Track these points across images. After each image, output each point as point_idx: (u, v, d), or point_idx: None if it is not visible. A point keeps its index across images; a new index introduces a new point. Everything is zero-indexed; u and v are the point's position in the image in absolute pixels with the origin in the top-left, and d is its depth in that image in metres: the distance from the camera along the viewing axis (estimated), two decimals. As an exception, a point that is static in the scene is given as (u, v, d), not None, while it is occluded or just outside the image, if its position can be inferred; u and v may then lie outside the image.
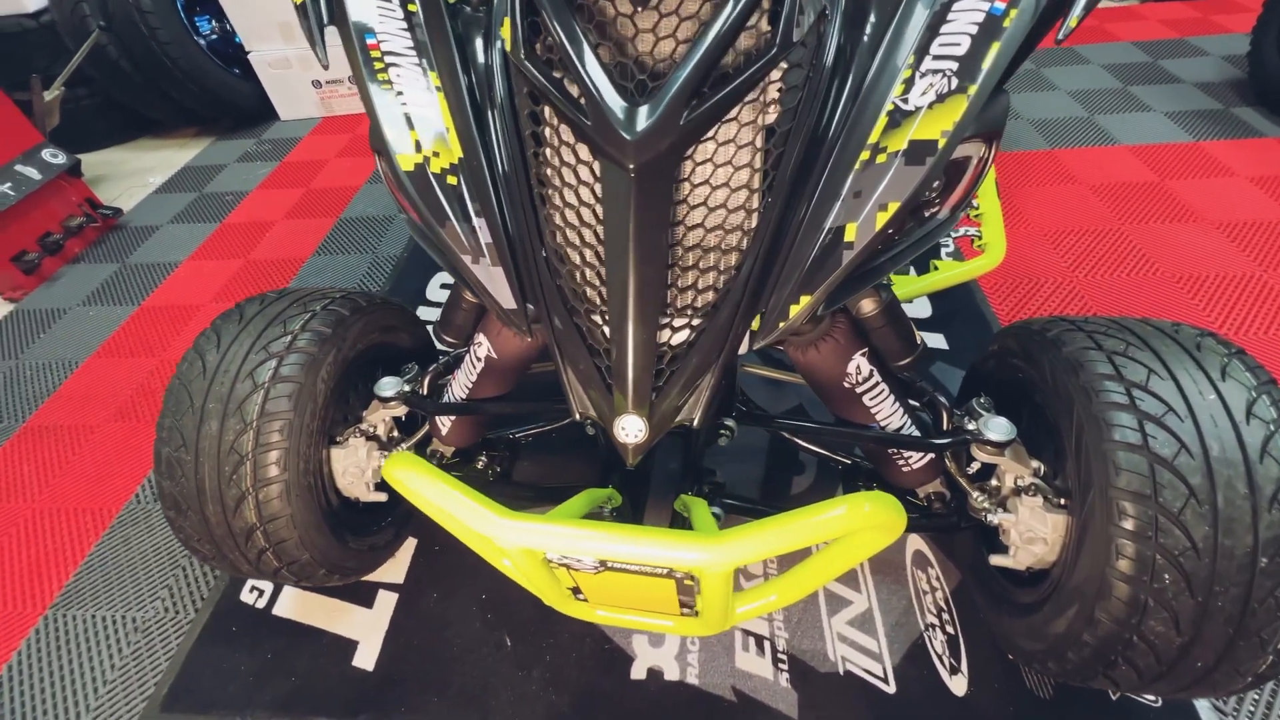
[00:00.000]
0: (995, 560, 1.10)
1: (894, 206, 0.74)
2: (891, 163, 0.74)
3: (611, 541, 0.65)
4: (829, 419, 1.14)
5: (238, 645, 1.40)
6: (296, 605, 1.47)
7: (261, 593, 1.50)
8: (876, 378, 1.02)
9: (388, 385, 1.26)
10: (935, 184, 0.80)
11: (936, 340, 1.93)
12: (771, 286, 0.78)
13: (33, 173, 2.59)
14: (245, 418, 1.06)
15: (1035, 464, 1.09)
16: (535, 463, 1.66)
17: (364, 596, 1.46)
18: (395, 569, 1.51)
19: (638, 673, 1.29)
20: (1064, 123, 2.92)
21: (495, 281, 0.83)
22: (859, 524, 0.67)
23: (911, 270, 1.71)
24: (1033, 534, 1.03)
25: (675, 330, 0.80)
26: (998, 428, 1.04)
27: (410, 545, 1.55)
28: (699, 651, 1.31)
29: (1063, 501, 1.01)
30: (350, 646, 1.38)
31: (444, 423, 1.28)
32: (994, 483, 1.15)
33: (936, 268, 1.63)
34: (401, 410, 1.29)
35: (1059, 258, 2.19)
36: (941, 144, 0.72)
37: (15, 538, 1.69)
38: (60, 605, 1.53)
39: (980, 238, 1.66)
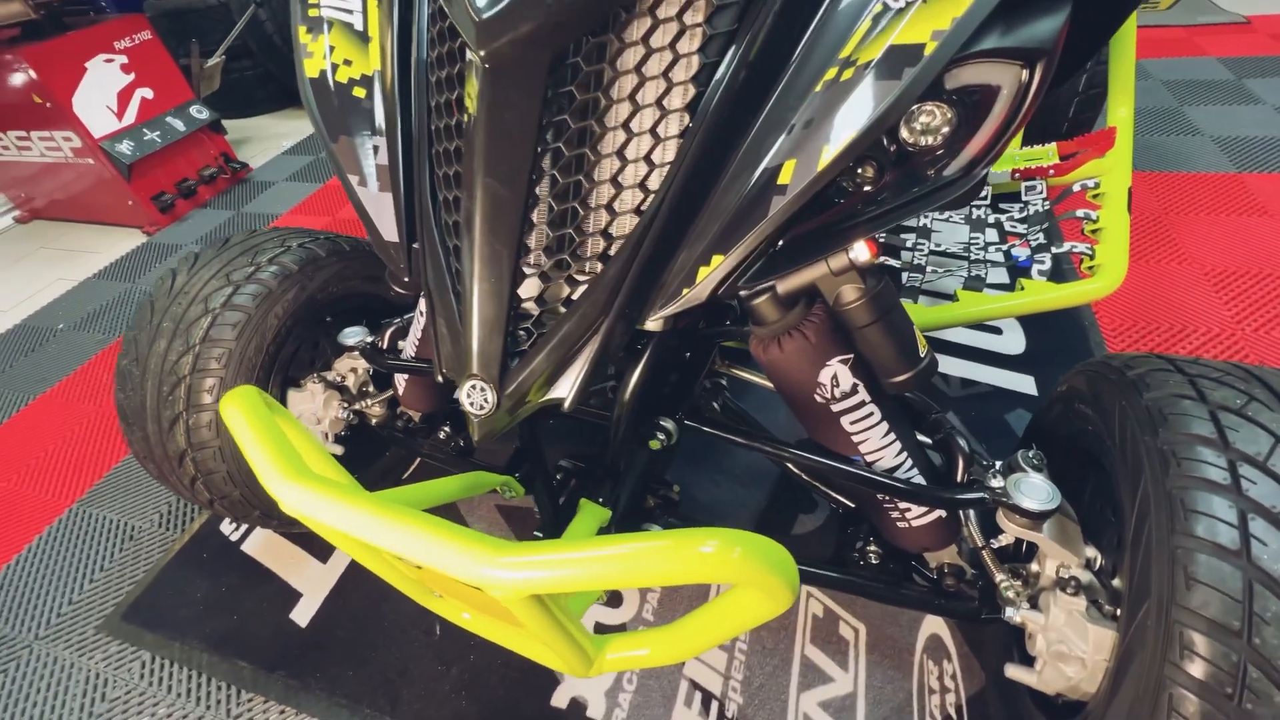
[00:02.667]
0: (1013, 673, 0.81)
1: (848, 139, 0.52)
2: (858, 78, 0.52)
3: (375, 523, 0.50)
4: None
5: (203, 573, 1.43)
6: (263, 545, 1.47)
7: (238, 526, 1.52)
8: (861, 396, 0.77)
9: (351, 334, 1.20)
10: (937, 123, 0.57)
11: (1023, 383, 1.56)
12: (681, 241, 0.59)
13: (179, 124, 2.94)
14: (190, 340, 1.05)
15: (1090, 552, 0.78)
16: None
17: (321, 549, 1.43)
18: (358, 529, 1.46)
19: (559, 699, 1.12)
20: (1262, 143, 2.32)
21: (381, 209, 0.72)
22: (712, 570, 0.46)
23: (989, 278, 1.38)
24: (1066, 648, 0.73)
25: (550, 281, 0.63)
26: (1033, 491, 0.76)
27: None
28: (634, 693, 1.11)
29: (1116, 612, 0.71)
30: (294, 598, 1.35)
31: (401, 383, 1.20)
32: (1033, 567, 0.85)
33: (1023, 287, 1.29)
34: (364, 362, 1.23)
35: (1222, 305, 1.71)
36: (930, 49, 0.50)
37: (72, 436, 1.87)
38: (86, 501, 1.66)
39: (1092, 257, 1.30)
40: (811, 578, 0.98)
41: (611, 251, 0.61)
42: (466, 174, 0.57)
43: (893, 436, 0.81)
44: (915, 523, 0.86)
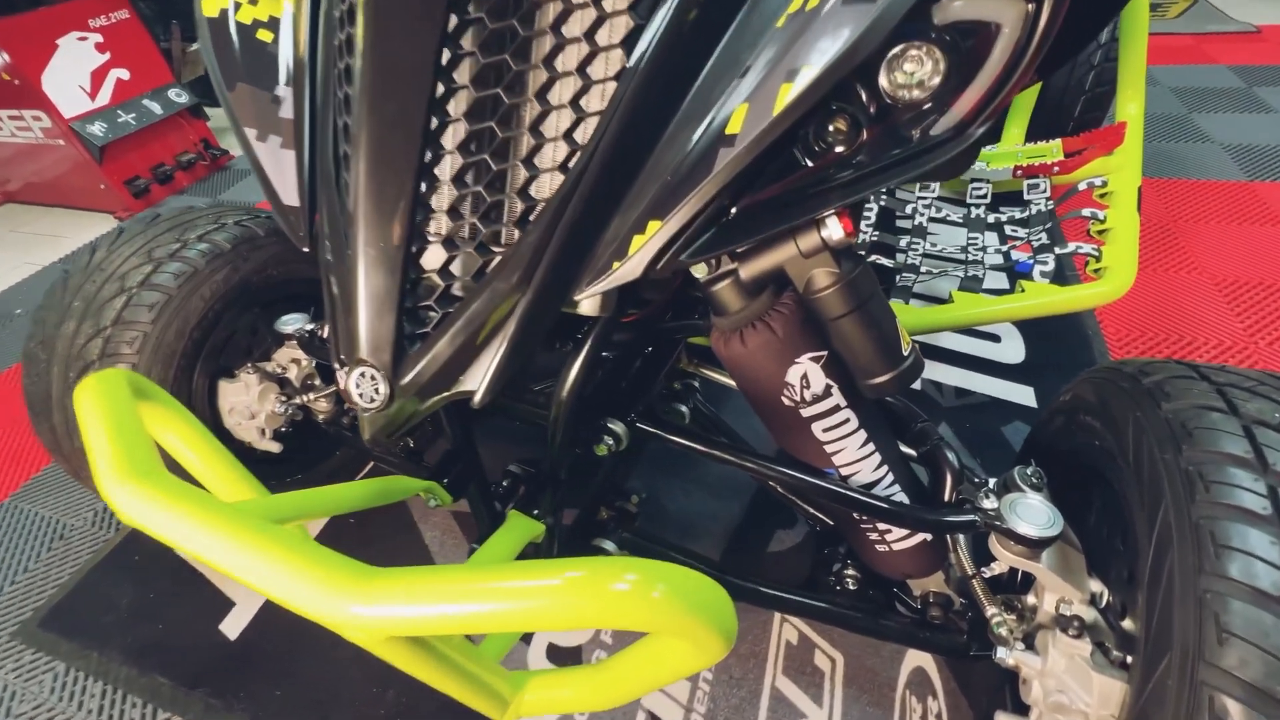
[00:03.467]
0: (1004, 721, 0.70)
1: (812, 76, 0.42)
2: (822, 6, 0.42)
3: (208, 538, 0.40)
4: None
5: (132, 577, 1.32)
6: (199, 548, 1.36)
7: (175, 527, 1.41)
8: (836, 400, 0.67)
9: (289, 321, 1.09)
10: (925, 71, 0.47)
11: (1022, 394, 1.46)
12: (614, 206, 0.49)
13: (156, 108, 2.85)
14: (100, 322, 0.94)
15: (1095, 586, 0.68)
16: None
17: (262, 555, 1.32)
18: (302, 533, 1.35)
19: (503, 730, 1.01)
20: (1272, 151, 2.23)
21: (282, 169, 0.62)
22: (624, 614, 0.36)
23: (985, 284, 1.28)
24: (1066, 699, 0.63)
25: (457, 251, 0.53)
26: (1031, 515, 0.66)
27: (326, 511, 1.39)
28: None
29: (1126, 659, 0.60)
30: (226, 608, 1.24)
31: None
32: (1029, 600, 0.75)
33: (1024, 289, 1.20)
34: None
35: (1234, 316, 1.61)
36: (913, -36, 0.40)
37: (14, 425, 1.77)
38: (20, 496, 1.55)
39: (1099, 259, 1.20)
40: (782, 603, 0.88)
41: (531, 216, 0.51)
42: (355, 121, 0.48)
43: (871, 447, 0.71)
44: (897, 546, 0.75)
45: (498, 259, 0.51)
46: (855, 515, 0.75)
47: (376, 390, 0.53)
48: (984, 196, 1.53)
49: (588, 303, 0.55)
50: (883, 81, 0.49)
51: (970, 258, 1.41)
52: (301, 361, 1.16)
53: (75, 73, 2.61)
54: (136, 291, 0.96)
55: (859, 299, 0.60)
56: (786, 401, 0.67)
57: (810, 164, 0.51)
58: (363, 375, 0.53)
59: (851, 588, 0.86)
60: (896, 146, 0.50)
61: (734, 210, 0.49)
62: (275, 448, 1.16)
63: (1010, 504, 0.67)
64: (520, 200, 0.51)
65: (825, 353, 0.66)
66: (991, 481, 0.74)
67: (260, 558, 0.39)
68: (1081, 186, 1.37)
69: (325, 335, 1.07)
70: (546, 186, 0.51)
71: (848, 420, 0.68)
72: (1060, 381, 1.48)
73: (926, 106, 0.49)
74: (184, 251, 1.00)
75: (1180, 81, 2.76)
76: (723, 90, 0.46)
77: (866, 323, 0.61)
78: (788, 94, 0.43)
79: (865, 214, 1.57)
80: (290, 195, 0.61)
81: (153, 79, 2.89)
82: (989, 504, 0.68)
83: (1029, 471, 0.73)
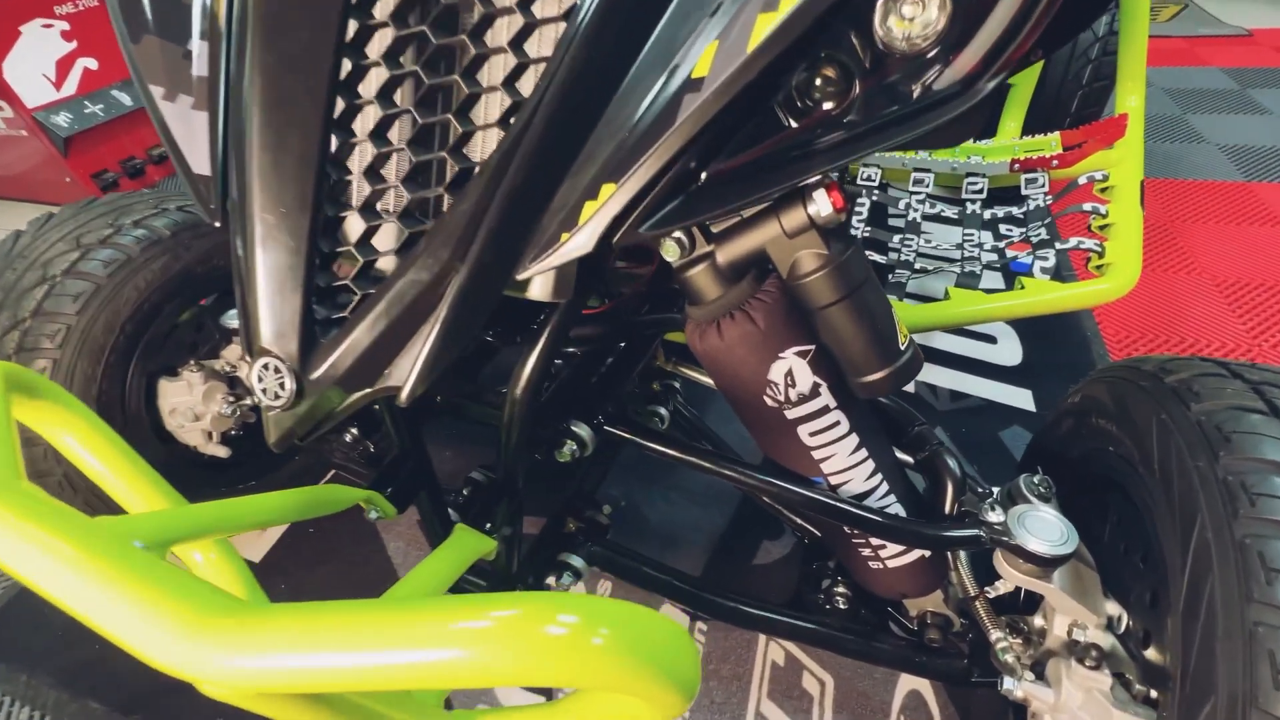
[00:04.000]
0: (1010, 760, 0.63)
1: (786, 5, 0.35)
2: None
3: (39, 563, 0.32)
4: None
5: (71, 591, 1.22)
6: (145, 560, 1.26)
7: (120, 537, 1.32)
8: (824, 400, 0.60)
9: (235, 315, 1.01)
10: (929, 14, 0.40)
11: (1020, 398, 1.40)
12: (564, 168, 0.42)
13: (125, 99, 2.75)
14: (18, 314, 0.86)
15: (1113, 609, 0.61)
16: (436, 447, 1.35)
17: (212, 568, 1.23)
18: (257, 544, 1.27)
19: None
20: (1269, 152, 2.19)
21: (193, 131, 0.54)
22: (557, 667, 0.29)
23: (982, 283, 1.21)
24: (1082, 738, 0.56)
25: (378, 220, 0.45)
26: (1042, 529, 0.59)
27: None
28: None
29: (1152, 694, 0.53)
30: (169, 625, 1.14)
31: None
32: (1037, 621, 0.68)
33: (1023, 286, 1.13)
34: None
35: (1235, 317, 1.56)
36: None
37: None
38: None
39: (1101, 255, 1.14)
40: (766, 624, 0.80)
41: (467, 181, 0.43)
42: (248, 59, 0.40)
43: (864, 453, 0.63)
44: (891, 564, 0.68)
45: (427, 230, 0.44)
46: (846, 529, 0.68)
47: (282, 385, 0.45)
48: (980, 192, 1.47)
49: (538, 284, 0.47)
50: (878, 27, 0.42)
51: (966, 254, 1.35)
52: (253, 359, 1.08)
53: (39, 61, 2.51)
54: (60, 280, 0.87)
55: (850, 285, 0.53)
56: (769, 401, 0.60)
57: (794, 123, 0.44)
58: (265, 368, 0.45)
59: (842, 607, 0.79)
60: (894, 103, 0.43)
61: (704, 175, 0.42)
62: (223, 452, 1.07)
63: (1019, 517, 0.60)
64: (454, 161, 0.44)
65: (812, 347, 0.58)
66: (995, 490, 0.68)
67: (93, 586, 0.31)
68: (1082, 180, 1.31)
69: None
70: (484, 145, 0.44)
71: (837, 423, 0.61)
72: (1060, 384, 1.43)
73: (929, 56, 0.42)
74: (117, 238, 0.92)
75: (1174, 83, 2.73)
76: (691, 30, 0.39)
77: (859, 312, 0.54)
78: (766, 26, 0.36)
79: (857, 209, 1.51)
80: (201, 162, 0.53)
81: (122, 69, 2.78)
82: (995, 517, 0.61)
83: (1036, 480, 0.66)
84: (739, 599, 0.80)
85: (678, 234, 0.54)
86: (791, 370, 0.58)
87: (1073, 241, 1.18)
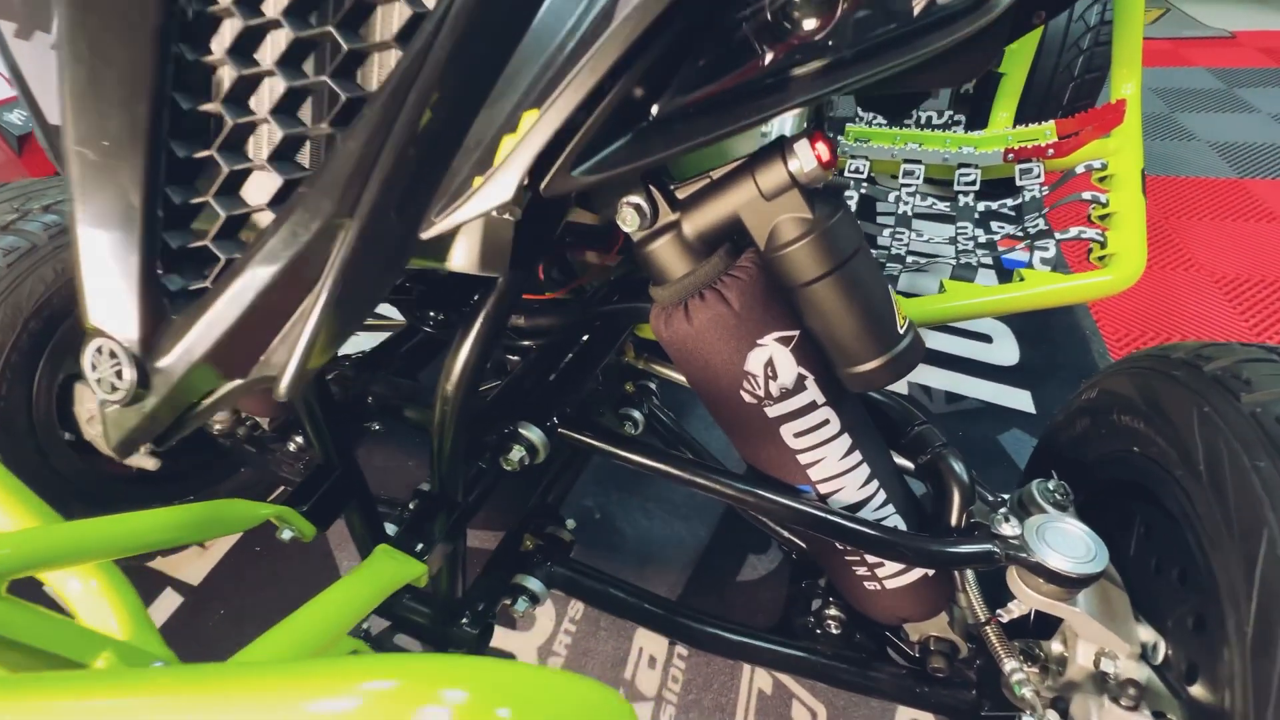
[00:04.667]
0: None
1: None
2: None
3: None
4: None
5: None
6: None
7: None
8: (811, 395, 0.51)
9: (162, 311, 0.91)
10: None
11: (1018, 399, 1.33)
12: (478, 98, 0.33)
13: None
14: (-101, 307, 0.75)
15: (1147, 635, 0.53)
16: (390, 457, 1.25)
17: (146, 587, 1.12)
18: (196, 564, 1.16)
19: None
20: (1261, 149, 2.16)
21: (49, 75, 0.45)
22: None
23: (978, 278, 1.14)
24: (1118, 791, 0.47)
25: (240, 164, 0.36)
26: (1065, 544, 0.50)
27: (227, 538, 1.20)
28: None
29: (1202, 740, 0.45)
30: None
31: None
32: (1054, 647, 0.60)
33: (1023, 278, 1.06)
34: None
35: (1235, 314, 1.50)
36: None
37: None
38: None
39: (1104, 245, 1.07)
40: (750, 652, 0.71)
41: (356, 114, 0.35)
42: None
43: (857, 456, 0.55)
44: (890, 584, 0.59)
45: (307, 177, 0.35)
46: (838, 545, 0.59)
47: (119, 374, 0.36)
48: (973, 183, 1.41)
49: (461, 251, 0.38)
50: (870, -73, 0.34)
51: (960, 248, 1.28)
52: (187, 361, 0.98)
53: (-8, 56, 2.40)
54: (-49, 270, 0.77)
55: (839, 256, 0.45)
56: (747, 397, 0.51)
57: (768, 50, 0.35)
58: (99, 352, 0.36)
59: (835, 631, 0.70)
60: (890, 20, 0.35)
61: (654, 109, 0.34)
62: (151, 464, 0.97)
63: (1037, 530, 0.52)
64: (339, 88, 0.35)
65: (796, 332, 0.50)
66: (1006, 498, 0.59)
67: None
68: (1079, 170, 1.25)
69: None
70: (379, 69, 0.35)
71: (826, 421, 0.53)
72: (1058, 386, 1.36)
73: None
74: (20, 224, 0.82)
75: (1160, 83, 2.71)
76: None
77: (849, 289, 0.46)
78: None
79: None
80: (54, 109, 0.44)
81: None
82: (1009, 529, 0.53)
83: (1051, 486, 0.58)
84: (719, 624, 0.71)
85: (635, 199, 0.46)
86: (772, 360, 0.50)
87: (1073, 231, 1.11)
